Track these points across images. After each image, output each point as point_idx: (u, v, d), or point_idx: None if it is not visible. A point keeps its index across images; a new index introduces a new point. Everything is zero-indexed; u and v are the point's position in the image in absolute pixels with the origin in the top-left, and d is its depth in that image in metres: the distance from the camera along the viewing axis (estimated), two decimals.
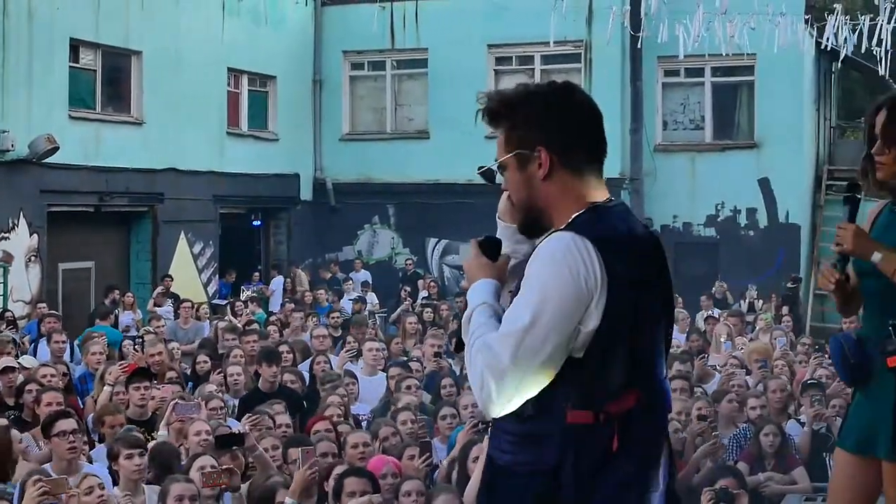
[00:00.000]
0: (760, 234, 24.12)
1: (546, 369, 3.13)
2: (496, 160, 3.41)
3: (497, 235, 3.54)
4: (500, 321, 3.22)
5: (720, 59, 22.24)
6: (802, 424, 9.89)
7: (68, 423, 7.85)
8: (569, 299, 3.11)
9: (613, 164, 23.89)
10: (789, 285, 22.52)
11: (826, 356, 12.19)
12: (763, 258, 23.57)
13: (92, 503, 6.81)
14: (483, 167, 3.46)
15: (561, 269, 3.13)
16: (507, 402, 3.16)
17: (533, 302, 3.12)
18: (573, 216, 3.27)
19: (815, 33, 22.52)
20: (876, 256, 4.32)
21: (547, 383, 3.15)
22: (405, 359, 12.68)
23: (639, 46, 22.23)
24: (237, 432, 8.40)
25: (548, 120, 3.31)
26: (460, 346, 3.39)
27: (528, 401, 3.18)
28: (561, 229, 3.23)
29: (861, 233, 4.40)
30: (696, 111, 24.81)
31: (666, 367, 3.46)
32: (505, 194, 3.50)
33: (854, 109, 32.49)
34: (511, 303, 3.25)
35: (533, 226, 3.39)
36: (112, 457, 7.67)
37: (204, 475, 7.20)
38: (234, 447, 8.05)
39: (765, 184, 23.91)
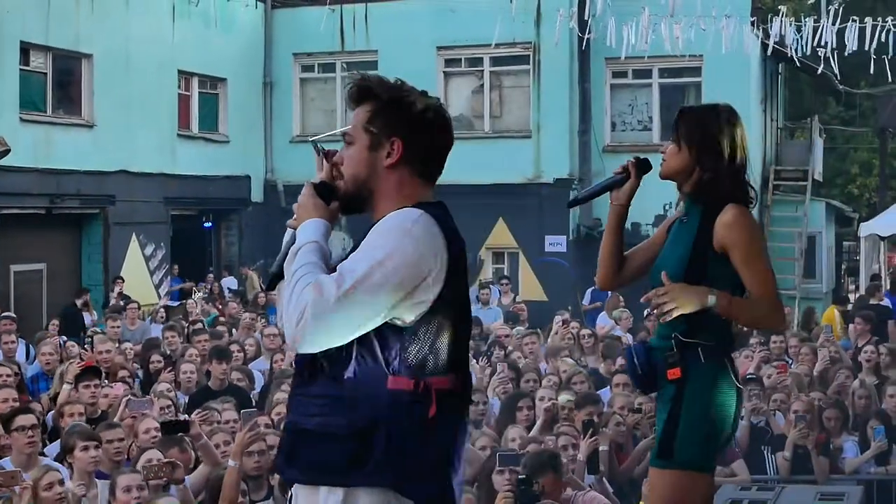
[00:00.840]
0: None
1: (365, 323, 3.20)
2: (349, 127, 3.50)
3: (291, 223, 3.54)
4: (327, 264, 3.30)
5: (667, 61, 22.57)
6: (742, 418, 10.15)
7: (27, 419, 7.99)
8: (408, 266, 3.20)
9: (562, 165, 24.18)
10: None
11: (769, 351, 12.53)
12: None
13: (51, 498, 6.89)
14: (313, 137, 3.48)
15: (407, 238, 3.23)
16: (317, 342, 3.21)
17: (373, 258, 3.20)
18: (403, 206, 3.36)
19: (761, 35, 22.87)
20: (711, 300, 4.36)
21: (356, 336, 3.22)
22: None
23: (584, 48, 22.49)
24: (182, 420, 8.56)
25: (416, 121, 3.42)
26: (274, 283, 3.48)
27: (349, 363, 3.24)
28: (408, 206, 3.33)
29: (683, 287, 4.42)
30: (644, 112, 25.05)
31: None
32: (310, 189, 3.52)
33: (802, 110, 32.98)
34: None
35: (354, 204, 3.48)
36: (67, 449, 7.74)
37: (145, 468, 7.33)
38: (180, 433, 8.18)
39: None
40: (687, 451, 4.42)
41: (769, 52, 23.66)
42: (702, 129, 4.57)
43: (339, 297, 3.14)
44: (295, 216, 3.51)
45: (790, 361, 12.29)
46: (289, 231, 3.52)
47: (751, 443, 9.77)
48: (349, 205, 3.50)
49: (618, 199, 4.77)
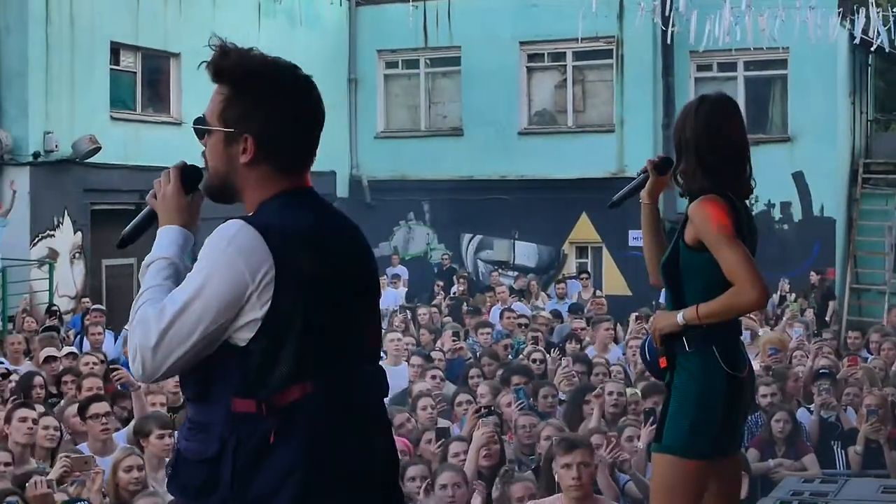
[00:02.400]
0: (795, 228, 24.09)
1: (191, 354, 3.03)
2: (203, 116, 3.28)
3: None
4: (176, 282, 3.13)
5: (753, 54, 22.27)
6: (812, 413, 10.09)
7: (101, 406, 8.31)
8: (226, 288, 2.99)
9: (645, 159, 23.98)
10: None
11: (825, 343, 12.50)
12: (798, 252, 23.57)
13: (128, 480, 7.12)
14: (197, 120, 3.30)
15: (223, 257, 3.01)
16: (155, 376, 3.08)
17: (192, 287, 3.02)
18: (261, 201, 3.17)
19: (848, 25, 22.59)
20: (680, 319, 4.50)
21: (195, 363, 3.06)
22: (426, 350, 12.92)
23: (667, 42, 22.39)
24: None
25: (267, 116, 3.18)
26: (123, 243, 3.38)
27: (195, 387, 3.12)
28: (237, 217, 3.10)
29: (658, 315, 4.75)
30: None
31: (365, 353, 3.27)
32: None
33: (895, 101, 32.34)
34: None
35: (222, 195, 3.28)
36: (143, 433, 7.96)
37: None
38: None
39: (799, 178, 23.86)
40: (672, 436, 4.55)
41: (857, 42, 23.34)
42: (682, 124, 4.66)
43: (160, 336, 2.99)
44: (157, 206, 3.32)
45: (870, 357, 12.21)
46: (150, 199, 3.34)
47: (821, 438, 9.72)
48: (216, 196, 3.30)
49: (643, 199, 4.86)
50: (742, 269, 4.40)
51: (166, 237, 3.26)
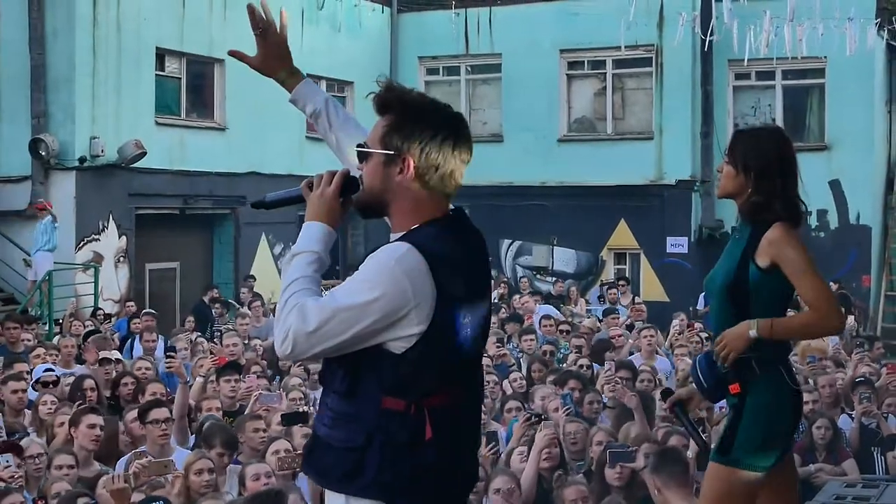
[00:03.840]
0: (831, 236, 24.13)
1: (344, 349, 3.35)
2: (365, 143, 3.58)
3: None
4: (320, 275, 3.50)
5: (791, 63, 22.38)
6: (853, 420, 10.23)
7: (161, 412, 8.51)
8: (389, 303, 3.31)
9: (684, 167, 24.22)
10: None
11: (867, 353, 12.63)
12: (834, 259, 23.56)
13: (199, 483, 7.32)
14: (361, 144, 3.60)
15: (390, 274, 3.32)
16: (300, 358, 3.51)
17: (356, 290, 3.35)
18: (413, 226, 3.48)
19: (886, 35, 22.65)
20: (752, 333, 4.69)
21: (344, 357, 3.39)
22: None
23: (706, 51, 22.50)
24: (302, 412, 8.96)
25: (429, 139, 3.48)
26: (261, 205, 3.78)
27: (346, 382, 3.43)
28: (401, 239, 3.44)
29: (729, 333, 4.76)
30: (767, 114, 24.88)
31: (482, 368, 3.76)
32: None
33: None
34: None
35: (371, 211, 3.58)
36: (208, 445, 8.13)
37: (279, 459, 7.73)
38: (300, 424, 8.57)
39: (835, 186, 23.90)
40: (743, 449, 4.77)
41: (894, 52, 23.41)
42: (756, 153, 4.86)
43: (318, 325, 3.31)
44: (311, 198, 3.60)
45: None
46: (305, 188, 3.64)
47: (861, 444, 9.86)
48: (365, 211, 3.60)
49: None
50: (827, 298, 4.72)
51: (316, 232, 3.56)
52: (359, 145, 3.62)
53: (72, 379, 10.79)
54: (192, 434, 9.18)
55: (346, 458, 3.41)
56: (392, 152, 3.50)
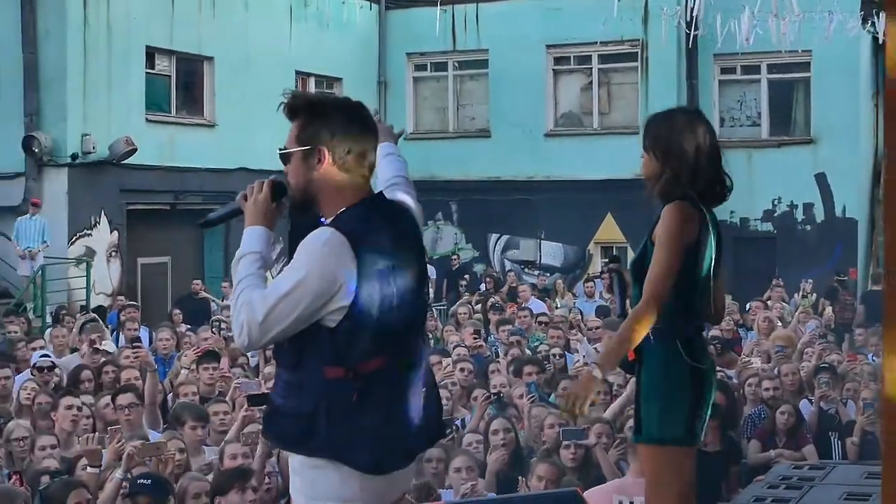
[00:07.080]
0: (817, 229, 24.21)
1: (289, 331, 3.78)
2: (285, 147, 3.99)
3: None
4: (265, 270, 3.91)
5: (776, 57, 22.51)
6: (812, 403, 10.47)
7: (126, 398, 9.01)
8: (320, 282, 3.74)
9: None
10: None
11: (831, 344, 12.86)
12: (820, 253, 23.72)
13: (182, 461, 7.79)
14: (281, 148, 4.02)
15: (318, 258, 3.76)
16: (258, 346, 3.89)
17: (293, 278, 3.76)
18: (340, 210, 3.90)
19: (872, 29, 22.80)
20: (597, 374, 4.66)
21: (290, 336, 3.80)
22: (443, 346, 13.31)
23: (691, 45, 22.66)
24: (267, 392, 9.23)
25: (336, 128, 3.92)
26: (206, 225, 4.33)
27: (290, 357, 3.88)
28: (326, 224, 3.88)
29: (572, 385, 4.85)
30: (753, 108, 25.04)
31: (422, 333, 4.13)
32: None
33: None
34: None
35: (304, 205, 4.00)
36: (179, 422, 8.58)
37: (244, 435, 8.10)
38: (264, 405, 8.82)
39: (821, 179, 23.97)
40: (648, 426, 4.84)
41: (880, 44, 23.53)
42: (664, 135, 4.87)
43: (265, 314, 3.74)
44: (247, 207, 4.03)
45: (870, 354, 12.58)
46: (241, 200, 4.06)
47: (820, 430, 10.07)
48: (298, 206, 4.02)
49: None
50: (654, 287, 4.69)
51: (255, 235, 4.00)
52: (280, 149, 4.02)
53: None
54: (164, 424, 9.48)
55: (299, 423, 3.82)
56: (308, 147, 3.92)
